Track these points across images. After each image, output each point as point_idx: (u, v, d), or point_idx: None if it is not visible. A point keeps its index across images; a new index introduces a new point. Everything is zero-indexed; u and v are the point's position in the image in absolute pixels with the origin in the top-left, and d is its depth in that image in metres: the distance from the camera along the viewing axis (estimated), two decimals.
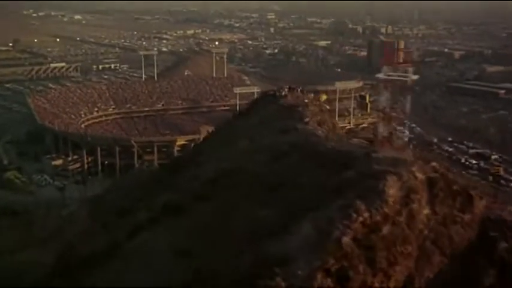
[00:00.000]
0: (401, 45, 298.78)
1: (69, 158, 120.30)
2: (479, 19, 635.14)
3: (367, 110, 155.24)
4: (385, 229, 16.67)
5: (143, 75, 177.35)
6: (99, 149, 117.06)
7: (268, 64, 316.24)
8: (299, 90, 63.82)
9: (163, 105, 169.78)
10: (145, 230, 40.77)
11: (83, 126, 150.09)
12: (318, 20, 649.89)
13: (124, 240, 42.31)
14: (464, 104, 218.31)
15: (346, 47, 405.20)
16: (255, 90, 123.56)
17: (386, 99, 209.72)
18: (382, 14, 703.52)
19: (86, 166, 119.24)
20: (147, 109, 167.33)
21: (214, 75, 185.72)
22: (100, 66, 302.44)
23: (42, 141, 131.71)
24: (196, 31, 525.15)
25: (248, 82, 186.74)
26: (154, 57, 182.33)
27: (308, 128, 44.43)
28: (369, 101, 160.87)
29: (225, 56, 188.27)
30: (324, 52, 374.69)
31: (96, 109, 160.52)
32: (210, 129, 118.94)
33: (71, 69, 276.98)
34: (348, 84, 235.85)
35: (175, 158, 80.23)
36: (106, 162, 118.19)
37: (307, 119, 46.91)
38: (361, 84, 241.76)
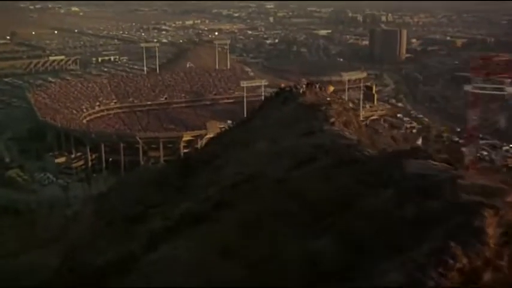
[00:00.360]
0: (404, 34, 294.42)
1: (72, 155, 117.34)
2: (479, 5, 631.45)
3: (374, 102, 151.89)
4: (486, 276, 13.75)
5: (145, 68, 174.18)
6: (103, 145, 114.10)
7: (269, 54, 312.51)
8: (317, 86, 60.53)
9: (166, 98, 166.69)
10: (164, 241, 37.77)
11: (84, 121, 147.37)
12: (318, 9, 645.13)
13: (141, 251, 39.35)
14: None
15: (347, 36, 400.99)
16: (262, 83, 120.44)
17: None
18: (381, 3, 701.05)
19: (89, 163, 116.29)
20: (149, 103, 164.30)
21: (217, 67, 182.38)
22: (99, 59, 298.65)
23: (44, 138, 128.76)
24: (195, 21, 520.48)
25: (251, 74, 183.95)
26: (156, 50, 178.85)
27: (335, 130, 41.36)
28: (375, 92, 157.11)
29: (227, 47, 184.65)
30: (325, 41, 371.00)
31: (97, 103, 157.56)
32: (218, 124, 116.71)
33: (70, 62, 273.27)
34: (353, 75, 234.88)
35: (185, 157, 76.81)
36: (110, 159, 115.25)
37: (332, 119, 43.86)
38: (365, 74, 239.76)
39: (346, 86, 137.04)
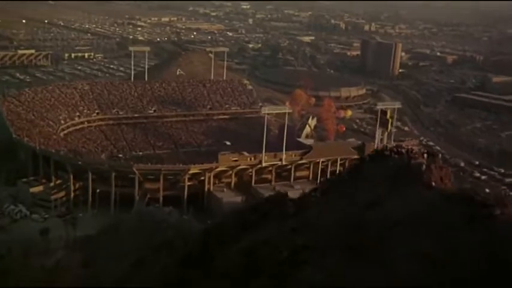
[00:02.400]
0: (399, 48, 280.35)
1: (51, 184, 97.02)
2: (455, 18, 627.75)
3: (388, 129, 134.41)
4: None
5: (132, 74, 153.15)
6: (90, 173, 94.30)
7: (255, 61, 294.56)
8: (425, 153, 43.01)
9: (155, 111, 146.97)
10: None
11: (61, 134, 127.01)
12: (296, 13, 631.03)
13: None
14: (476, 119, 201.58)
15: (332, 44, 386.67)
16: (286, 110, 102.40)
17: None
18: (358, 8, 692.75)
19: (72, 194, 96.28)
20: (136, 115, 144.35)
21: (211, 77, 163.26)
22: (72, 55, 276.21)
23: (15, 157, 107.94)
24: (172, 19, 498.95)
25: (250, 87, 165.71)
26: (146, 55, 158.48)
27: None
28: (391, 117, 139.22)
29: (225, 56, 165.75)
30: (311, 49, 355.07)
31: (77, 114, 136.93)
32: (231, 157, 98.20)
33: (40, 57, 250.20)
34: (353, 91, 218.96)
35: (225, 219, 56.00)
36: (98, 190, 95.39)
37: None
38: (364, 91, 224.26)
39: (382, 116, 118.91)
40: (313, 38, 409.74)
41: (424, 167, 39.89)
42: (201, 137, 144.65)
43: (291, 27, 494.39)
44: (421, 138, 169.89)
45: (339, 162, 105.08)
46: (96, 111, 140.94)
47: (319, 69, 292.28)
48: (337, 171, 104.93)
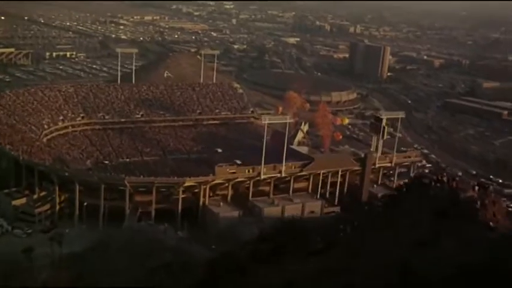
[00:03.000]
0: (388, 52, 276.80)
1: (35, 196, 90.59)
2: (437, 21, 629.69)
3: (383, 137, 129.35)
4: None
5: (119, 76, 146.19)
6: (77, 186, 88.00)
7: (241, 62, 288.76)
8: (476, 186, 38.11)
9: (142, 115, 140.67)
10: None
11: (44, 140, 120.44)
12: (280, 14, 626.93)
13: None
14: (468, 125, 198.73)
15: (318, 46, 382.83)
16: (287, 120, 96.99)
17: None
18: (341, 8, 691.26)
19: (57, 207, 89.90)
20: (123, 120, 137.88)
21: (201, 80, 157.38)
22: (54, 54, 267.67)
23: None
24: (155, 18, 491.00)
25: (241, 91, 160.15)
26: (133, 57, 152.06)
27: None
28: (386, 124, 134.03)
29: (215, 59, 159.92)
30: (297, 51, 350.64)
31: (61, 118, 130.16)
32: (228, 169, 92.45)
33: (20, 55, 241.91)
34: (344, 96, 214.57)
35: (233, 249, 50.01)
36: (86, 203, 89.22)
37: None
38: (355, 95, 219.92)
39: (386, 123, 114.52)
40: (298, 39, 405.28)
41: (478, 203, 34.87)
42: (190, 143, 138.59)
43: (275, 28, 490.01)
44: (415, 145, 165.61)
45: (340, 173, 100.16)
46: (81, 115, 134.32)
47: (306, 71, 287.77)
48: (338, 183, 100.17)
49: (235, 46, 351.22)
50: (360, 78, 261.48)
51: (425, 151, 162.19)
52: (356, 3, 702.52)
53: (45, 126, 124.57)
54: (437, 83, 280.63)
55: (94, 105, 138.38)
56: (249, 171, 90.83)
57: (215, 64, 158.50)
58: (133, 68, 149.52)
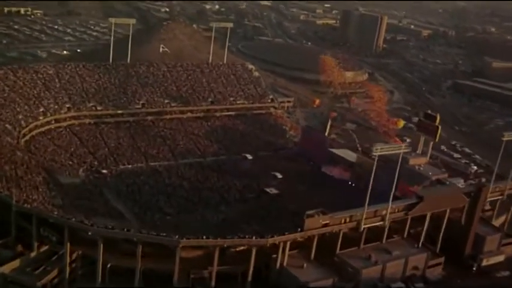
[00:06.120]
0: (385, 22, 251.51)
1: (33, 253, 61.07)
2: None
3: (436, 139, 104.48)
4: None
5: (111, 54, 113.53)
6: (101, 243, 58.83)
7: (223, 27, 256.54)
8: None
9: (143, 105, 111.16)
10: None
11: (22, 141, 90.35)
12: None
13: None
14: (491, 113, 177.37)
15: (294, 10, 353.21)
16: (403, 150, 68.94)
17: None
18: None
19: (68, 269, 60.89)
20: (120, 111, 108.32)
21: (210, 60, 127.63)
22: (5, 9, 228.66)
23: None
24: None
25: (256, 74, 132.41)
26: (130, 27, 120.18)
27: None
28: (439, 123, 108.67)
29: (227, 33, 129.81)
30: (276, 15, 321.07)
31: (41, 110, 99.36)
32: (321, 220, 64.00)
33: None
34: (356, 76, 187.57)
35: None
36: (109, 264, 60.61)
37: None
38: (366, 75, 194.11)
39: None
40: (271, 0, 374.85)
41: None
42: (203, 142, 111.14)
43: None
44: (453, 142, 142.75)
45: (447, 213, 74.76)
46: (67, 106, 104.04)
47: (293, 40, 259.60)
48: (441, 225, 74.94)
49: (207, 6, 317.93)
50: (355, 51, 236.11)
51: (467, 150, 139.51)
52: None
53: (23, 123, 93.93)
54: (434, 58, 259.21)
55: (82, 92, 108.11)
56: (345, 220, 64.15)
57: (227, 40, 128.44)
58: (129, 44, 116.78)
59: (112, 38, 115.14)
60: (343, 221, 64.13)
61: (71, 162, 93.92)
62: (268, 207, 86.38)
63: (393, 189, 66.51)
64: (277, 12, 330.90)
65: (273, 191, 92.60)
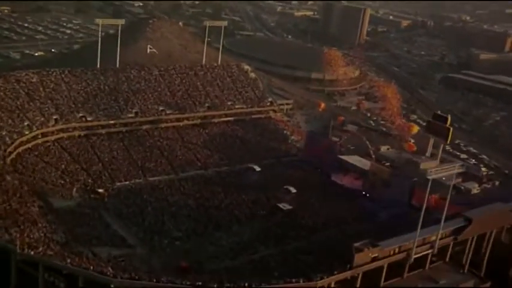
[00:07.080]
0: (367, 14, 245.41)
1: None
2: None
3: (447, 140, 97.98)
4: None
5: (98, 58, 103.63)
6: None
7: (200, 22, 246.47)
8: None
9: (136, 113, 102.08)
10: None
11: (8, 160, 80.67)
12: None
13: None
14: (486, 108, 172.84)
15: (269, 1, 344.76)
16: (455, 171, 61.87)
17: None
18: None
19: None
20: (112, 122, 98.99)
21: (203, 61, 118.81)
22: None
23: None
24: None
25: (253, 75, 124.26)
26: (119, 28, 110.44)
27: None
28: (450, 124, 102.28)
29: (222, 32, 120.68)
30: (251, 7, 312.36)
31: (26, 123, 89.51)
32: (370, 254, 56.09)
33: None
34: (348, 72, 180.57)
35: None
36: None
37: None
38: (359, 71, 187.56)
39: None
40: None
41: None
42: (203, 152, 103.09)
43: None
44: (456, 141, 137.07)
45: (493, 235, 68.22)
46: (54, 118, 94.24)
47: (274, 34, 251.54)
48: (486, 247, 68.31)
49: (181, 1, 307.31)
50: (337, 44, 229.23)
51: (472, 149, 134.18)
52: None
53: (7, 139, 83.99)
54: (418, 50, 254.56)
55: (70, 101, 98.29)
56: (394, 252, 56.79)
57: (221, 39, 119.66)
58: (119, 42, 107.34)
59: (100, 40, 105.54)
60: (392, 252, 56.73)
61: (62, 182, 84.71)
62: (283, 225, 79.93)
63: (444, 215, 59.19)
64: (253, 5, 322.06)
65: (286, 206, 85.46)
